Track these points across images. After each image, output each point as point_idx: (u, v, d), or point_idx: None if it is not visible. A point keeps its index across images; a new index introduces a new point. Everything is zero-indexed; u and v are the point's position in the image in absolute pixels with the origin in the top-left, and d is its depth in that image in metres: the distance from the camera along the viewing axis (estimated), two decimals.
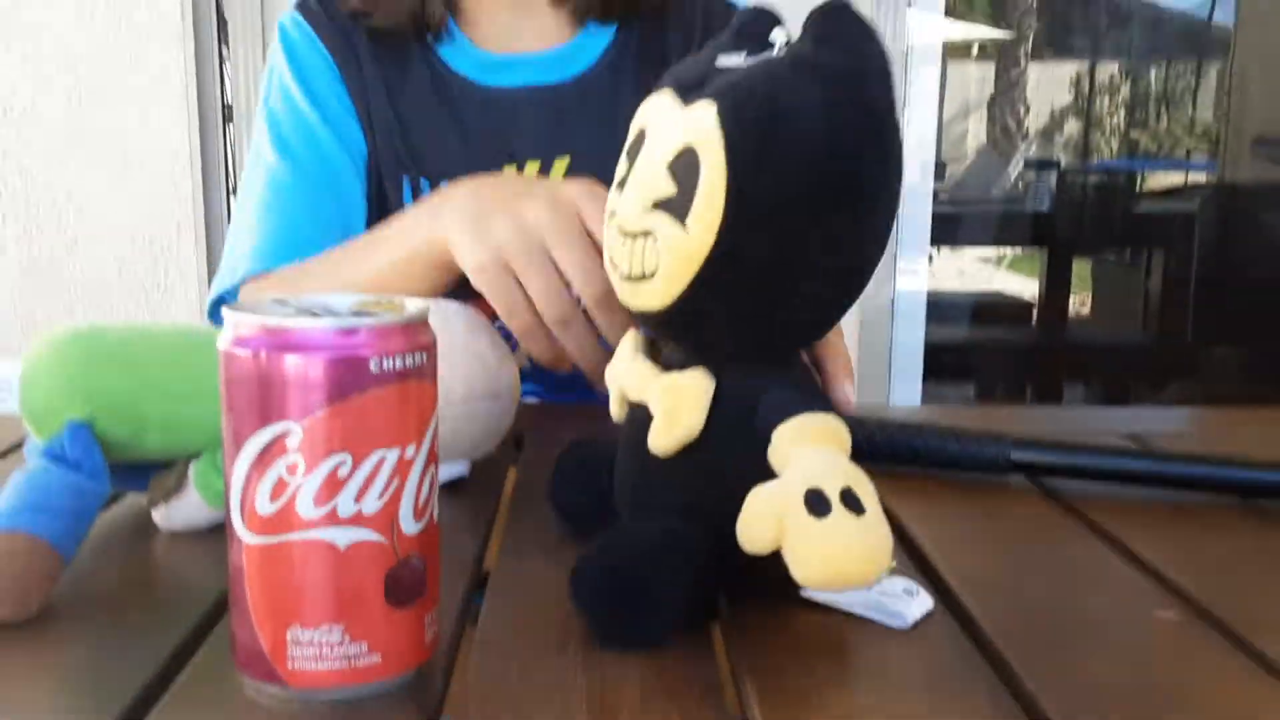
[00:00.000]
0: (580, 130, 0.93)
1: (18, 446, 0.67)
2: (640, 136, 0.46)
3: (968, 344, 3.58)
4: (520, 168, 0.92)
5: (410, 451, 0.39)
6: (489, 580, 0.51)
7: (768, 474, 0.42)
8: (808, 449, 0.42)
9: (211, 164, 2.07)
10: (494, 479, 0.65)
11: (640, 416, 0.46)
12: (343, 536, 0.38)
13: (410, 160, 0.93)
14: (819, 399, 0.45)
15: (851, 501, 0.40)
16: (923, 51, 2.18)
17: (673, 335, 0.47)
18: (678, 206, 0.43)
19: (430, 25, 0.92)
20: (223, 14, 2.05)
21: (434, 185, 0.92)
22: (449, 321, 0.60)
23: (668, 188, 0.43)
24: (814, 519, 0.40)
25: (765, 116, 0.41)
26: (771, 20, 0.46)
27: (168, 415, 0.50)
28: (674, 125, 0.43)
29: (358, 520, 0.38)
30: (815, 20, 0.42)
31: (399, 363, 0.38)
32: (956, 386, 3.57)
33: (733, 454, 0.44)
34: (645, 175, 0.44)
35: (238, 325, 0.37)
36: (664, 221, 0.43)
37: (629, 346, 0.50)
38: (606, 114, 0.91)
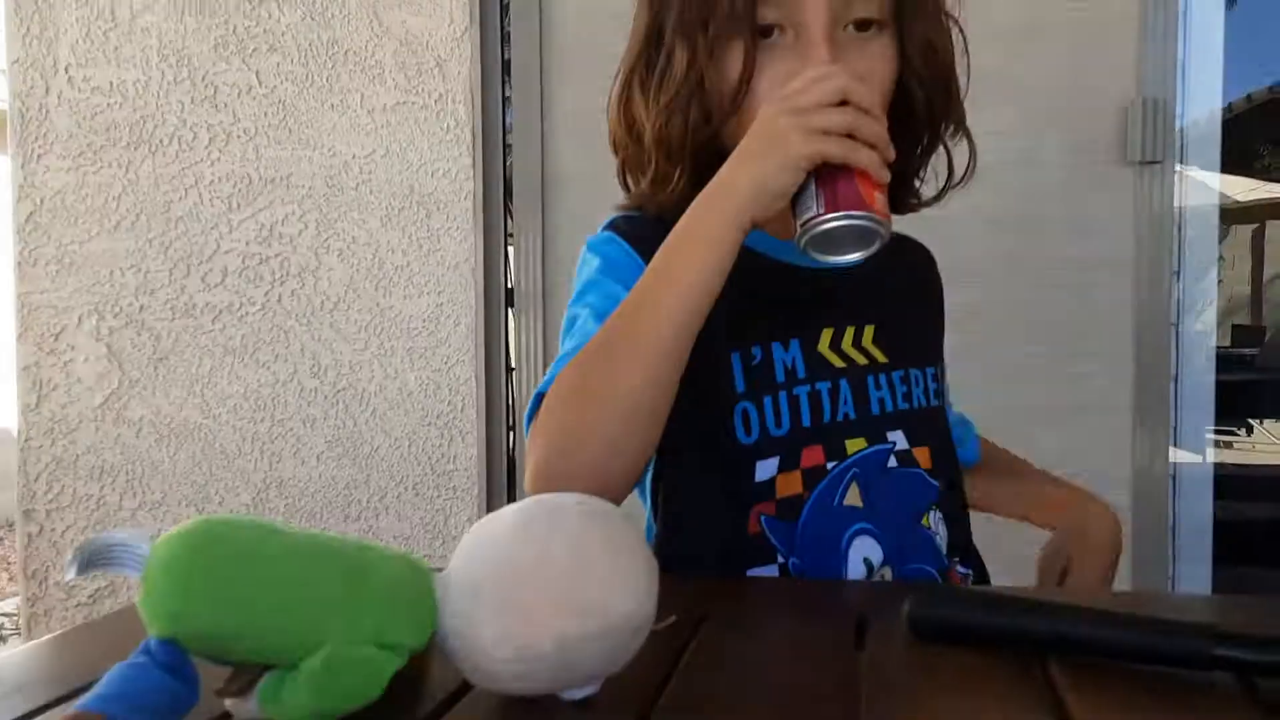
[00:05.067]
0: (880, 300, 1.01)
1: None
2: None
3: None
4: (839, 333, 0.98)
5: None
6: None
7: None
8: None
9: (494, 344, 2.26)
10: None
11: None
12: None
13: (736, 335, 0.95)
14: None
15: None
16: (1197, 213, 2.09)
17: None
18: None
19: None
20: (510, 209, 2.27)
21: (765, 353, 0.96)
22: (611, 535, 0.60)
23: None
24: None
25: None
26: None
27: (251, 651, 0.54)
28: None
29: None
30: None
31: None
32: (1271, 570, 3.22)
33: None
34: None
35: None
36: None
37: None
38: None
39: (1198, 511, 2.09)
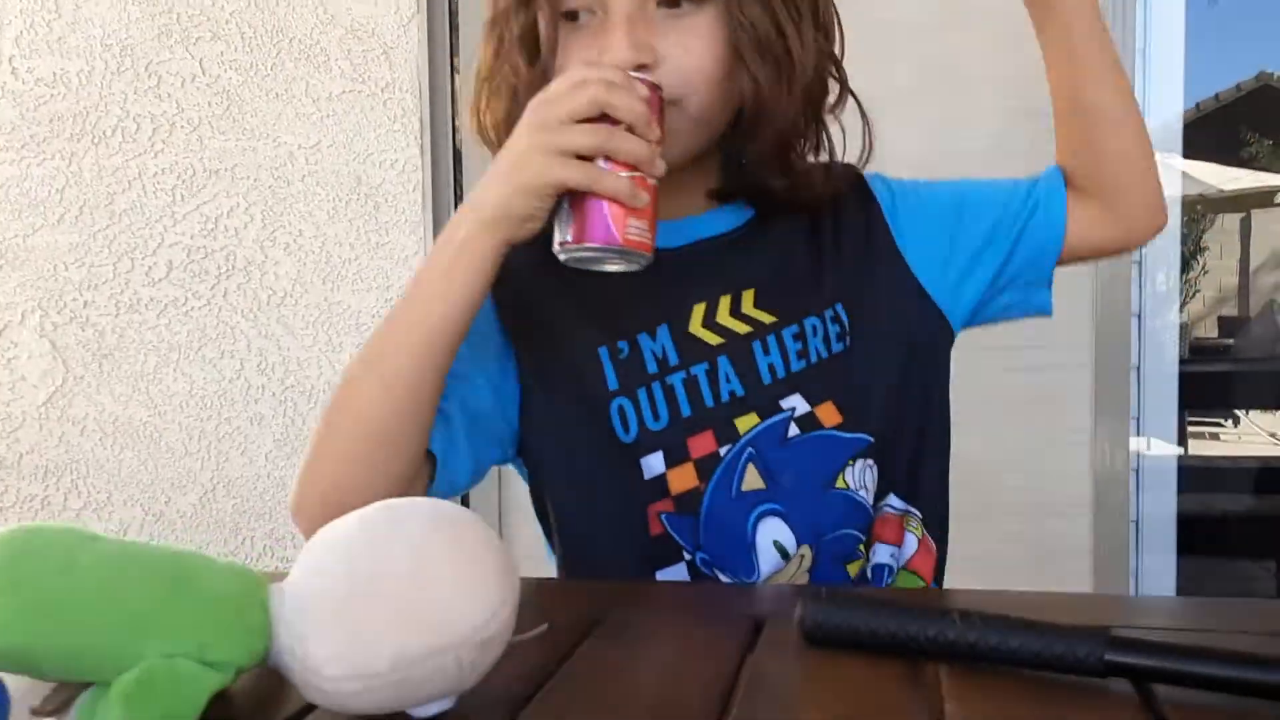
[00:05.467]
0: (759, 255, 0.95)
1: None
2: None
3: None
4: (713, 307, 0.93)
5: None
6: None
7: None
8: None
9: None
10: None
11: None
12: None
13: (602, 330, 0.93)
14: None
15: None
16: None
17: None
18: None
19: None
20: (459, 202, 2.23)
21: (633, 346, 0.92)
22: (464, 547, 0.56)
23: None
24: None
25: None
26: None
27: (65, 668, 0.51)
28: None
29: None
30: None
31: None
32: (1253, 564, 3.20)
33: None
34: None
35: None
36: None
37: None
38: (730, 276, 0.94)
39: (1161, 504, 2.06)
